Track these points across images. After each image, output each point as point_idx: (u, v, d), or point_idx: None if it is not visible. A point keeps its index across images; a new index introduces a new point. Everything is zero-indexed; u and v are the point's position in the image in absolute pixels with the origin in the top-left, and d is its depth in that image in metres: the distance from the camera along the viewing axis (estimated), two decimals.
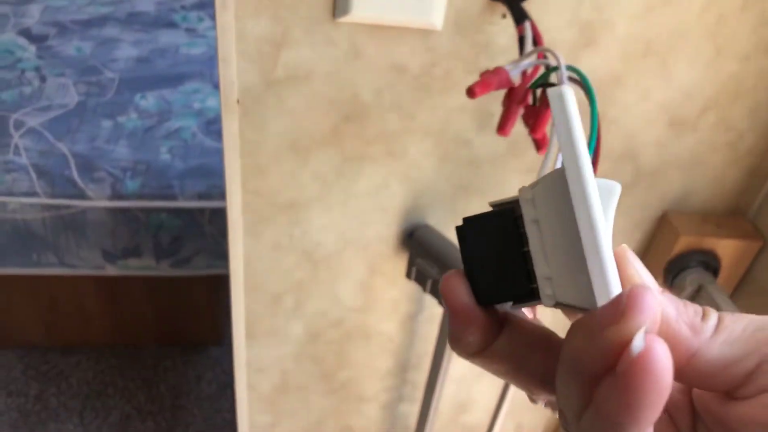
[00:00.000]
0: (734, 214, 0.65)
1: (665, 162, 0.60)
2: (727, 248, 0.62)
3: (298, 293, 0.67)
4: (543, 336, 0.21)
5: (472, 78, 0.53)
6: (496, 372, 0.22)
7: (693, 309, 0.19)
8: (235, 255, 0.62)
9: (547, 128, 0.42)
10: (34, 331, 1.43)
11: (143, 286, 1.33)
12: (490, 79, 0.39)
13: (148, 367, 1.47)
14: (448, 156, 0.58)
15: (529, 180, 0.66)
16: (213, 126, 1.32)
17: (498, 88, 0.41)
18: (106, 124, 1.29)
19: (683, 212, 0.64)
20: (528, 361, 0.21)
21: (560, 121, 0.19)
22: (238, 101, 0.51)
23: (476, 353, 0.21)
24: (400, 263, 0.66)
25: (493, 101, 0.55)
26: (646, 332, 0.16)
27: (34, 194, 1.14)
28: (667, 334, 0.18)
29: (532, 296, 0.20)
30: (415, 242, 0.63)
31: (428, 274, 0.63)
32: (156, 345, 1.50)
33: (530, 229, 0.20)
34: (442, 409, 0.81)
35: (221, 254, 1.24)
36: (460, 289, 0.21)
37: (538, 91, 0.42)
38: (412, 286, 0.69)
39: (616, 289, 0.18)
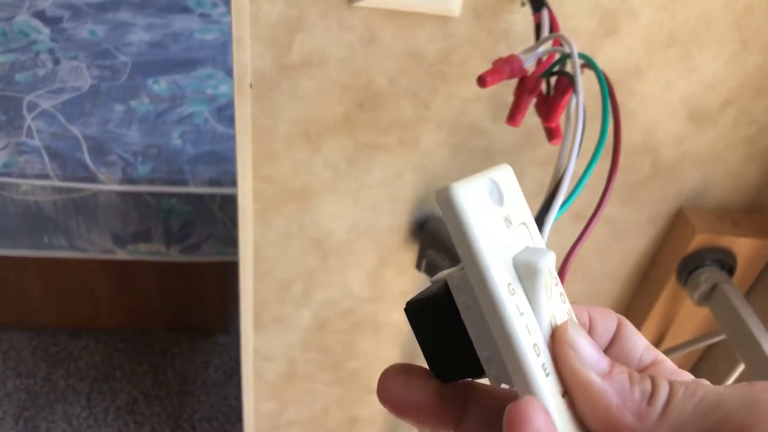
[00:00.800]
0: (752, 211, 0.64)
1: (684, 156, 0.59)
2: (744, 246, 0.61)
3: (307, 281, 0.67)
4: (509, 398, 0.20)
5: (490, 67, 0.52)
6: None
7: (640, 391, 0.18)
8: (244, 241, 0.61)
9: (562, 118, 0.41)
10: (44, 313, 1.44)
11: (153, 271, 1.33)
12: (501, 67, 0.38)
13: (155, 352, 1.47)
14: (463, 146, 0.57)
15: (544, 173, 0.65)
16: (225, 112, 1.31)
17: (510, 77, 0.40)
18: (119, 108, 1.29)
19: (700, 208, 0.63)
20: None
21: (453, 224, 0.17)
22: (251, 85, 0.51)
23: None
24: (411, 254, 0.66)
25: (510, 91, 0.54)
26: None
27: (46, 176, 1.14)
28: (608, 423, 0.18)
29: (483, 373, 0.20)
30: (426, 233, 0.62)
31: (439, 265, 0.63)
32: (164, 330, 1.51)
33: (464, 313, 0.19)
34: None
35: (231, 241, 1.23)
36: (387, 388, 0.20)
37: (552, 80, 0.41)
38: (422, 278, 0.68)
39: (534, 385, 0.17)
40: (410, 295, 0.71)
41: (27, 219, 1.18)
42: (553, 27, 0.43)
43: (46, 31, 1.50)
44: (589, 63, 0.33)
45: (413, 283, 0.69)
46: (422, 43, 0.50)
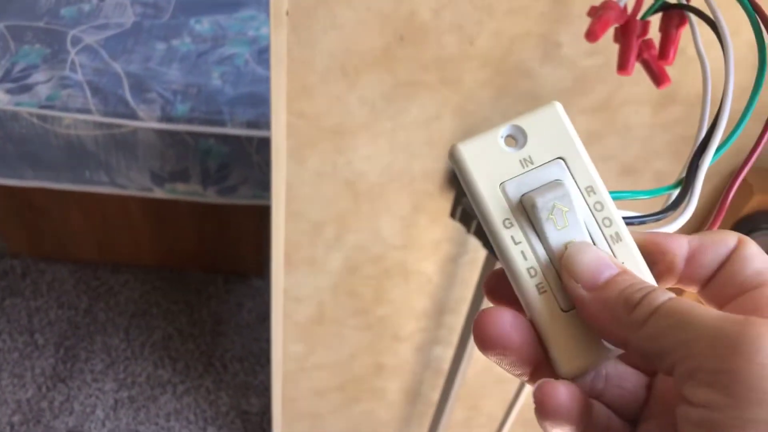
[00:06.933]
0: None
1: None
2: None
3: (339, 224, 0.66)
4: None
5: (542, 1, 0.48)
6: None
7: (624, 301, 0.19)
8: (277, 179, 0.60)
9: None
10: (87, 247, 1.48)
11: (190, 211, 1.35)
12: (606, 16, 0.35)
13: (191, 291, 1.50)
14: (507, 88, 0.54)
15: (594, 120, 0.61)
16: (265, 54, 1.29)
17: (615, 23, 0.37)
18: (160, 46, 1.28)
19: (760, 168, 0.59)
20: None
21: (461, 179, 0.21)
22: (287, 13, 0.48)
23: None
24: (445, 202, 0.64)
25: (562, 31, 0.51)
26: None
27: (87, 111, 1.15)
28: (601, 331, 0.20)
29: None
30: None
31: (474, 215, 0.60)
32: (200, 271, 1.53)
33: None
34: (476, 355, 0.80)
35: (267, 185, 1.23)
36: (492, 326, 0.21)
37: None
38: (456, 227, 0.66)
39: (526, 299, 0.21)
40: (443, 244, 0.69)
41: (69, 153, 1.20)
42: None
43: None
44: None
45: (446, 232, 0.67)
46: None
